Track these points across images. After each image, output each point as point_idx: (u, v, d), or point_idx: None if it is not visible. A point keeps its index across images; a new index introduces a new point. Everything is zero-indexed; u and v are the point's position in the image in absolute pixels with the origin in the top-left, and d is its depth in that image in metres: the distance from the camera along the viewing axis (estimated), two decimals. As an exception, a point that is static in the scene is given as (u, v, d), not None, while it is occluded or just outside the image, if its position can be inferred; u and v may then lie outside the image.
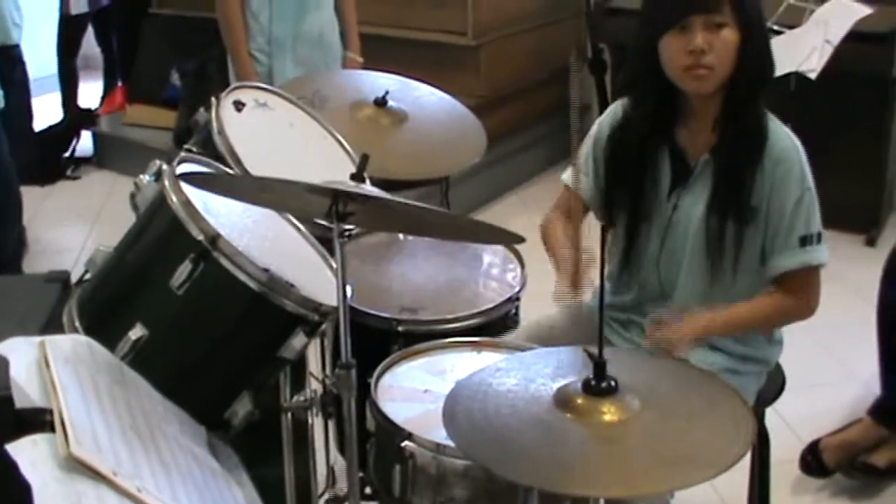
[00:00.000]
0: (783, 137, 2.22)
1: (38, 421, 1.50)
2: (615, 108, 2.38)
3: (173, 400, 1.87)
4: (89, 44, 6.53)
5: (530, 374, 1.79)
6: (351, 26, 4.01)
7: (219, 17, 3.81)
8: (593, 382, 1.68)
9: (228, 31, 3.78)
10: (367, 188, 1.84)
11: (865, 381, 3.47)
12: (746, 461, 2.57)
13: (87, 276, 2.09)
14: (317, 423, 2.33)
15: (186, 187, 1.94)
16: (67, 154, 6.01)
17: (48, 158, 5.88)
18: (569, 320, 2.43)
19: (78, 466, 1.39)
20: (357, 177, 1.85)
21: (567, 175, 2.45)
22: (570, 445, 1.62)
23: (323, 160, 2.54)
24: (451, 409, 1.73)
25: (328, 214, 1.81)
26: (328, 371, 2.54)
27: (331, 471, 2.67)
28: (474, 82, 5.20)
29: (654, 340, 2.12)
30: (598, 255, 1.84)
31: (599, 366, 1.68)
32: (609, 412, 1.65)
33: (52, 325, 2.44)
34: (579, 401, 1.67)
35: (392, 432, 1.90)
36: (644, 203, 2.31)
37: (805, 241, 2.21)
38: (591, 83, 5.35)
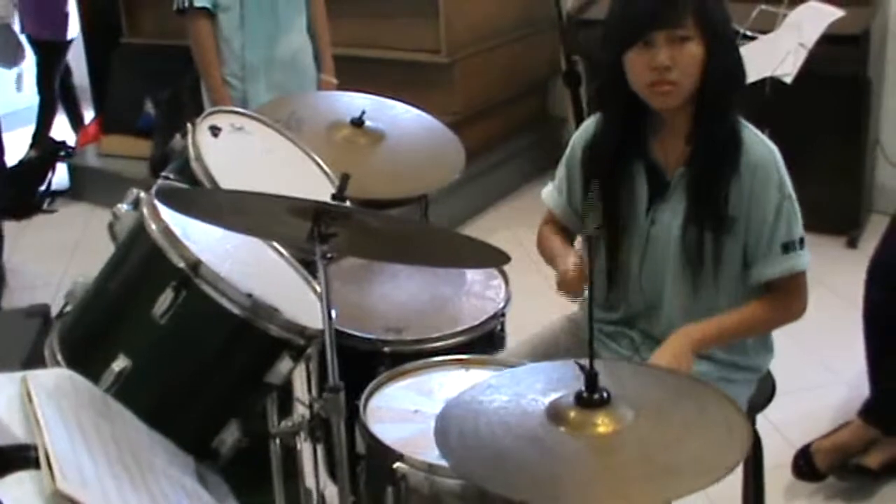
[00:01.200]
0: (759, 145, 2.20)
1: (23, 458, 1.47)
2: (588, 125, 2.37)
3: (160, 431, 1.85)
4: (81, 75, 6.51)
5: (521, 390, 1.77)
6: (325, 48, 4.00)
7: (191, 44, 3.80)
8: (585, 395, 1.66)
9: (201, 57, 3.77)
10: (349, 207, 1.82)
11: (853, 383, 3.46)
12: (739, 468, 2.56)
13: (68, 308, 2.07)
14: (305, 448, 2.30)
15: (165, 214, 1.92)
16: (43, 187, 5.98)
17: (24, 192, 5.85)
18: (567, 334, 2.43)
19: (65, 503, 1.36)
20: (338, 197, 1.83)
21: (546, 193, 2.45)
22: (564, 459, 1.61)
23: (302, 182, 2.52)
24: (443, 428, 1.71)
25: (310, 236, 1.79)
26: (315, 395, 2.51)
27: (320, 496, 2.64)
28: (449, 99, 5.19)
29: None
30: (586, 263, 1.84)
31: (591, 377, 1.67)
32: (603, 424, 1.63)
33: (33, 360, 2.42)
34: (572, 414, 1.66)
35: (383, 454, 1.88)
36: (622, 219, 2.30)
37: (788, 247, 2.20)
38: (566, 95, 5.37)
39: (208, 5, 3.70)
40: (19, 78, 6.39)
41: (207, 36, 3.73)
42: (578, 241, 2.42)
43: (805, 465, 3.05)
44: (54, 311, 2.13)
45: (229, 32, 3.75)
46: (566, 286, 2.21)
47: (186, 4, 3.69)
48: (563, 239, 2.42)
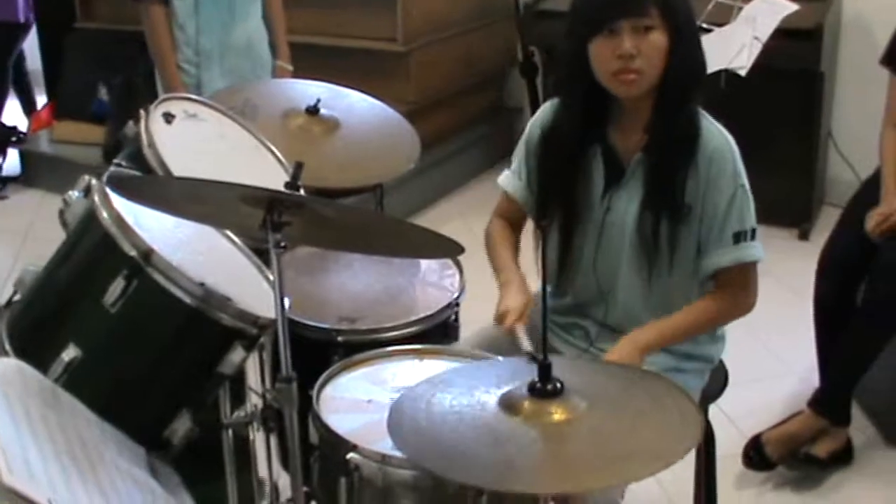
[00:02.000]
0: (716, 135, 2.22)
1: (-32, 449, 1.45)
2: (545, 110, 2.37)
3: (110, 421, 1.83)
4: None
5: (474, 382, 1.77)
6: (280, 35, 3.97)
7: (146, 32, 3.76)
8: (539, 385, 1.67)
9: (156, 46, 3.73)
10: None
11: (803, 375, 3.51)
12: (691, 458, 2.58)
13: (17, 296, 2.04)
14: (258, 438, 2.29)
15: (117, 202, 1.90)
16: (-7, 173, 5.90)
17: (-27, 180, 5.77)
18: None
19: (11, 496, 1.35)
20: (291, 185, 1.82)
21: (503, 178, 2.44)
22: (517, 446, 1.61)
23: (256, 171, 2.50)
24: (397, 418, 1.71)
25: (263, 224, 1.77)
26: (268, 385, 2.50)
27: (273, 486, 2.63)
28: (405, 88, 5.18)
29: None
30: (539, 266, 1.84)
31: (545, 367, 1.67)
32: (556, 413, 1.64)
33: (-20, 349, 2.38)
34: (526, 404, 1.66)
35: (336, 444, 1.87)
36: (577, 205, 2.30)
37: (738, 237, 2.21)
38: (522, 86, 5.37)
39: None
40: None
41: (162, 24, 3.70)
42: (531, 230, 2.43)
43: (755, 454, 3.08)
44: (2, 300, 2.10)
45: (184, 19, 3.71)
46: (500, 324, 2.21)
47: None
48: (512, 250, 2.42)
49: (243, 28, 3.83)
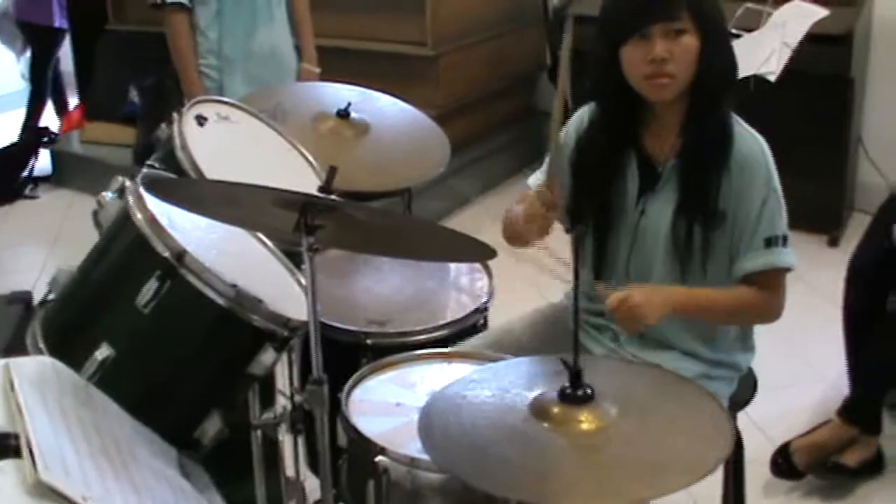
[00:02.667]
0: (749, 140, 2.21)
1: (4, 446, 1.46)
2: (581, 115, 2.37)
3: (142, 420, 1.84)
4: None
5: (505, 385, 1.77)
6: (306, 37, 3.91)
7: (167, 39, 3.72)
8: (569, 391, 1.67)
9: (177, 53, 3.69)
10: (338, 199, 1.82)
11: (833, 382, 3.48)
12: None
13: (51, 296, 2.06)
14: (286, 439, 2.30)
15: (151, 203, 1.92)
16: (25, 173, 5.94)
17: (5, 178, 5.81)
18: (540, 326, 2.42)
19: (47, 493, 1.36)
20: (325, 189, 1.83)
21: (533, 179, 2.43)
22: (547, 455, 1.61)
23: (287, 174, 2.52)
24: (427, 421, 1.71)
25: (297, 227, 1.79)
26: (297, 386, 2.51)
27: (301, 488, 2.64)
28: (433, 92, 5.18)
29: (620, 312, 2.09)
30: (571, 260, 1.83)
31: (575, 374, 1.67)
32: (586, 420, 1.64)
33: (15, 347, 2.40)
34: (556, 410, 1.66)
35: (365, 447, 1.88)
36: (612, 209, 2.30)
37: (770, 242, 2.20)
38: (551, 91, 5.37)
39: (183, 0, 3.63)
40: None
41: (184, 30, 3.66)
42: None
43: (784, 463, 3.06)
44: (35, 298, 2.12)
45: (206, 23, 3.68)
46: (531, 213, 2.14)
47: (157, 1, 3.64)
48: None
49: (267, 33, 3.78)
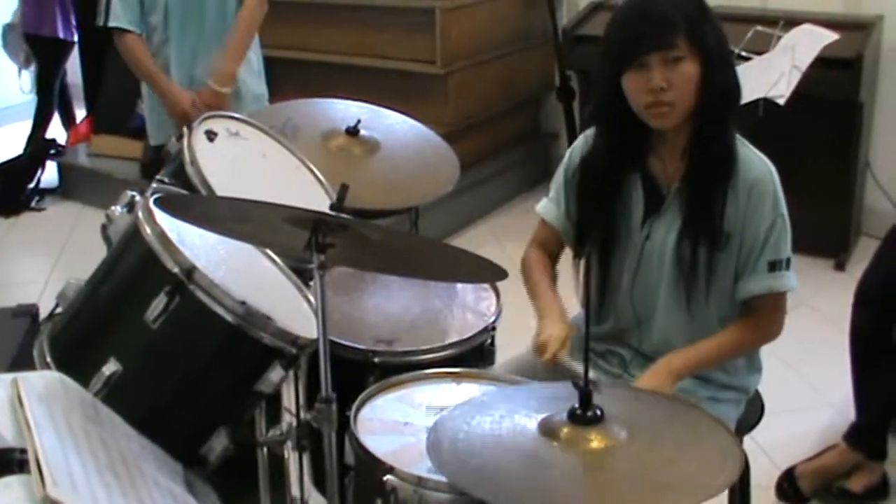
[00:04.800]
0: (757, 163, 2.21)
1: (12, 461, 1.46)
2: (586, 137, 2.37)
3: (148, 436, 1.84)
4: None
5: (514, 406, 1.77)
6: (230, 51, 3.60)
7: (126, 59, 3.66)
8: (579, 411, 1.67)
9: (139, 70, 3.63)
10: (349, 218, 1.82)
11: (839, 407, 3.47)
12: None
13: (58, 309, 2.06)
14: (292, 457, 2.30)
15: (160, 218, 1.91)
16: (32, 185, 5.95)
17: (12, 190, 5.83)
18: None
19: (55, 508, 1.35)
20: (336, 207, 1.83)
21: (541, 206, 2.44)
22: (556, 474, 1.61)
23: (297, 191, 2.52)
24: (436, 440, 1.71)
25: (308, 245, 1.78)
26: (303, 404, 2.50)
27: (305, 505, 2.63)
28: (442, 111, 5.19)
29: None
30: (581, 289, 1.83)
31: (585, 394, 1.67)
32: (596, 440, 1.64)
33: (21, 360, 2.40)
34: (565, 430, 1.66)
35: (373, 466, 1.87)
36: (616, 232, 2.30)
37: (774, 266, 2.21)
38: (559, 110, 5.39)
39: (123, 26, 3.56)
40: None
41: (137, 48, 3.59)
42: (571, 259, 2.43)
43: (789, 487, 3.06)
44: (41, 310, 2.12)
45: (156, 48, 3.63)
46: (541, 354, 2.19)
47: (101, 23, 3.59)
48: (550, 278, 2.40)
49: (209, 64, 3.61)
